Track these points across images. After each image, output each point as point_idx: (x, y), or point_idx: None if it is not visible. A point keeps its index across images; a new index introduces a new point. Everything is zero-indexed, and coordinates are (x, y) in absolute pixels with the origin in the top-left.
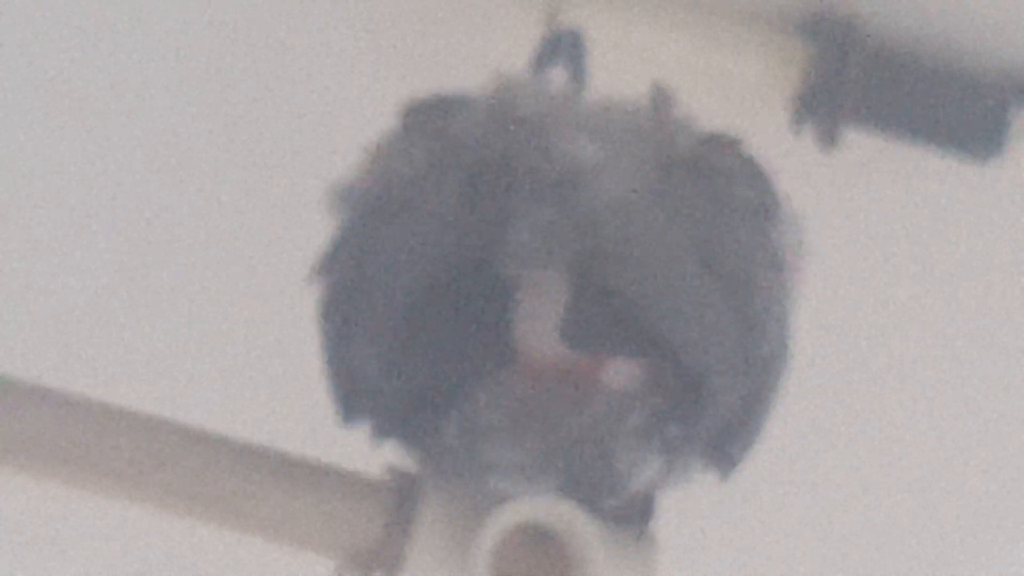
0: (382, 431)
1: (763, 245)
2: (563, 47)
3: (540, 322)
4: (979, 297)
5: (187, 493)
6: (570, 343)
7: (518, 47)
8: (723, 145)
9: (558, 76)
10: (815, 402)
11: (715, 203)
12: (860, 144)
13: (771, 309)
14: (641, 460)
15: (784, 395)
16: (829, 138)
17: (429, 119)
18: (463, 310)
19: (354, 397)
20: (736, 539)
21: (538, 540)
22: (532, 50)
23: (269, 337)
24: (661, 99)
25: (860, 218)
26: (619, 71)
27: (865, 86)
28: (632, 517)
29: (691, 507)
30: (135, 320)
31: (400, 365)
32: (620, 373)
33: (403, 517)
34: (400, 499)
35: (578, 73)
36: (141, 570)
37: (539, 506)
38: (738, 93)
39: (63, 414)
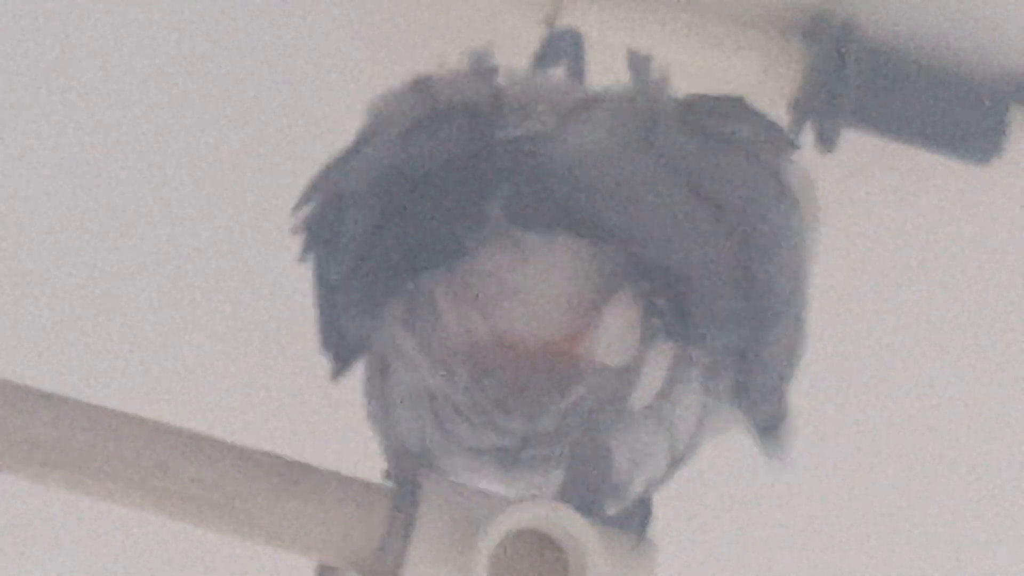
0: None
1: (766, 176)
2: (563, 47)
3: (512, 299)
4: (979, 297)
5: (187, 498)
6: (514, 221)
7: (518, 47)
8: (711, 97)
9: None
10: (815, 402)
11: (706, 140)
12: (860, 145)
13: (778, 236)
14: (644, 453)
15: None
16: (829, 139)
17: (425, 83)
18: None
19: (342, 344)
20: (736, 544)
21: (537, 545)
22: (532, 50)
23: (271, 342)
24: (641, 64)
25: (860, 219)
26: (619, 71)
27: (865, 87)
28: (631, 522)
29: (690, 512)
30: (136, 324)
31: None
32: (603, 342)
33: (402, 522)
34: (399, 504)
35: (578, 73)
36: (142, 574)
37: (538, 511)
38: (738, 94)
39: (64, 419)
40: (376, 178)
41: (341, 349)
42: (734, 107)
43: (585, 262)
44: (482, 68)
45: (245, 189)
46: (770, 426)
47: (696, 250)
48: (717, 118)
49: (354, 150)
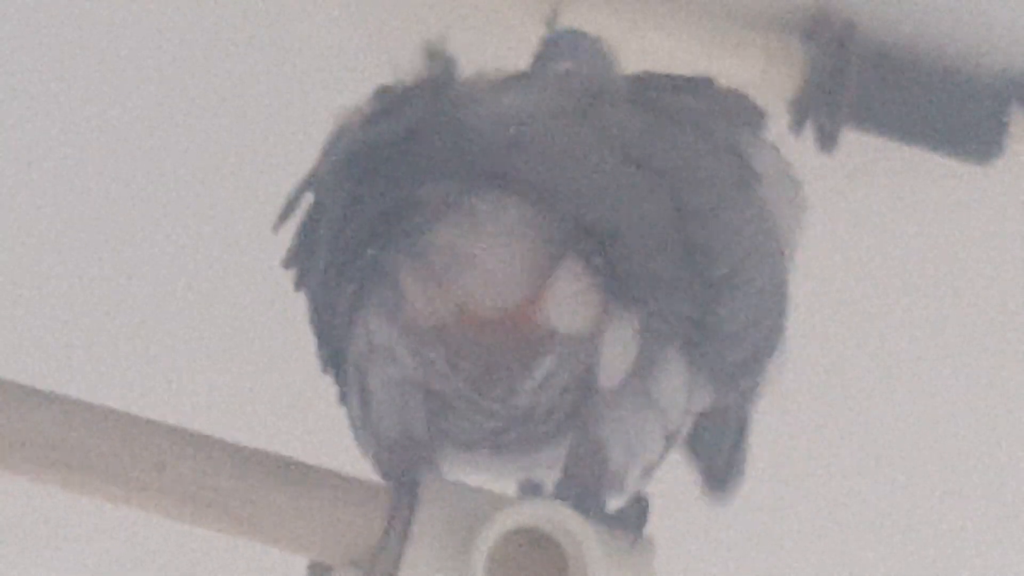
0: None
1: (717, 149)
2: (563, 47)
3: (466, 268)
4: (979, 297)
5: (186, 497)
6: (460, 188)
7: (518, 47)
8: (670, 75)
9: None
10: (813, 402)
11: (651, 113)
12: (860, 144)
13: (723, 206)
14: (637, 438)
15: (782, 393)
16: (829, 139)
17: (383, 87)
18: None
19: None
20: (732, 543)
21: (536, 543)
22: (532, 50)
23: (269, 341)
24: (592, 45)
25: (860, 218)
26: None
27: (865, 87)
28: (629, 519)
29: (687, 510)
30: (135, 324)
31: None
32: (557, 307)
33: (401, 520)
34: (398, 502)
35: None
36: (140, 573)
37: (536, 510)
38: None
39: (63, 418)
40: (340, 170)
41: (340, 370)
42: (692, 84)
43: (531, 228)
44: (435, 54)
45: (247, 190)
46: (720, 473)
47: (628, 215)
48: (669, 93)
49: (322, 156)
